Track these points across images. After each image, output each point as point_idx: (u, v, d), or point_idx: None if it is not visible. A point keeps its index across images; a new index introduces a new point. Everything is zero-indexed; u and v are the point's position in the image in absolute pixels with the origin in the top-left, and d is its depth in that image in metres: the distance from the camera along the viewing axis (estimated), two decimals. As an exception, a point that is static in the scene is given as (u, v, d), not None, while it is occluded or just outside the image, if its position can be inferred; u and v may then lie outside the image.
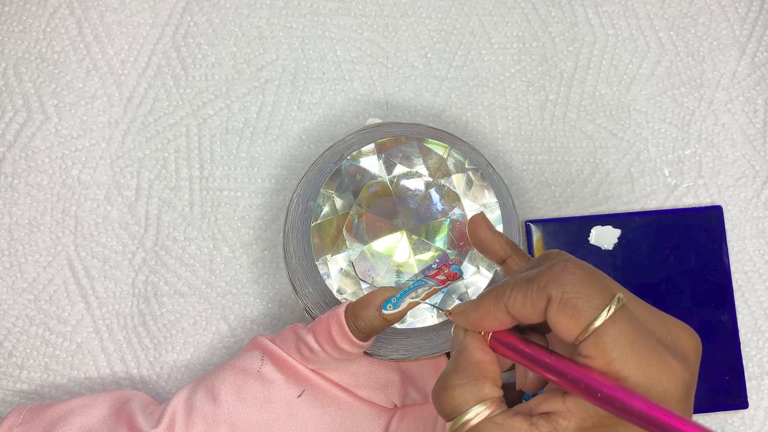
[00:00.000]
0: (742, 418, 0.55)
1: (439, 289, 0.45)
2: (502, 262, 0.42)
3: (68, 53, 0.56)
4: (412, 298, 0.44)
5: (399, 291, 0.45)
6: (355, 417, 0.46)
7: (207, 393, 0.46)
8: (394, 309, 0.44)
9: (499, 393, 0.35)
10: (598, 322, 0.33)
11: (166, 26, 0.56)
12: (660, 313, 0.36)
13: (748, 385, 0.55)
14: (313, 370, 0.46)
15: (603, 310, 0.33)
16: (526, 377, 0.38)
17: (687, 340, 0.35)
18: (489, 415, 0.34)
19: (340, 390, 0.47)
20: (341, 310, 0.45)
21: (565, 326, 0.33)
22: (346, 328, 0.44)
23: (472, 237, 0.42)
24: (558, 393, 0.35)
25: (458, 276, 0.45)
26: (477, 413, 0.34)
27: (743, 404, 0.54)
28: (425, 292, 0.44)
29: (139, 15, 0.56)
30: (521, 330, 0.38)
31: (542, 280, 0.34)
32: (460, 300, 0.49)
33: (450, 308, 0.38)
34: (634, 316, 0.34)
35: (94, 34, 0.56)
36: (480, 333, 0.37)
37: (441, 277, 0.44)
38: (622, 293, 0.35)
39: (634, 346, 0.33)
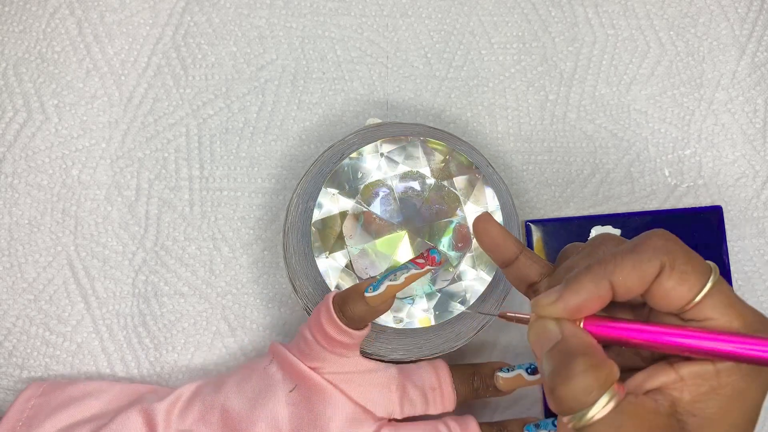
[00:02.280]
0: (742, 418, 0.55)
1: (420, 275, 0.45)
2: (509, 263, 0.40)
3: (68, 53, 0.55)
4: (391, 281, 0.44)
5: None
6: (338, 417, 0.46)
7: (215, 384, 0.49)
8: (374, 291, 0.44)
9: (618, 372, 0.33)
10: (708, 287, 0.33)
11: (166, 26, 0.56)
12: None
13: (748, 385, 0.55)
14: (311, 368, 0.47)
15: (710, 275, 0.34)
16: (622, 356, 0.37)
17: None
18: (619, 401, 0.32)
19: (334, 389, 0.47)
20: (329, 297, 0.46)
21: (677, 293, 0.33)
22: (333, 314, 0.45)
23: (479, 236, 0.40)
24: (664, 365, 0.34)
25: (438, 261, 0.45)
26: (607, 399, 0.32)
27: (743, 404, 0.54)
28: (404, 276, 0.44)
29: (139, 15, 0.56)
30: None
31: (650, 249, 0.34)
32: (461, 304, 0.49)
33: (531, 302, 0.36)
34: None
35: (94, 35, 0.56)
36: (574, 322, 0.35)
37: (420, 261, 0.45)
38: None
39: (740, 305, 0.34)
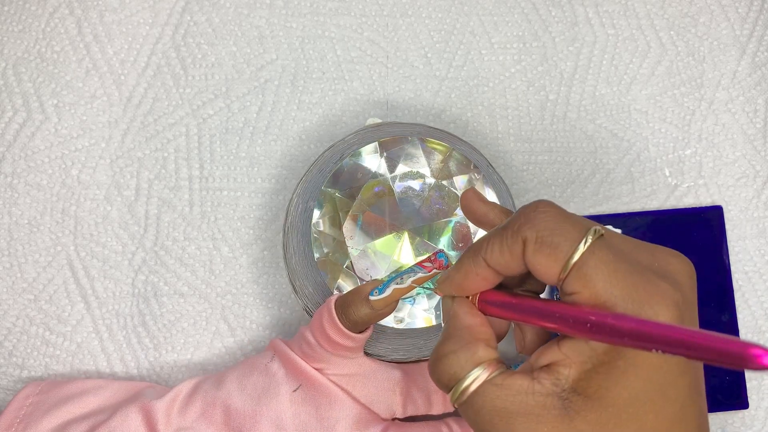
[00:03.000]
0: (742, 418, 0.55)
1: (427, 278, 0.45)
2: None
3: (68, 53, 0.55)
4: (397, 284, 0.44)
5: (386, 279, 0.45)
6: (344, 419, 0.46)
7: (215, 380, 0.48)
8: (379, 295, 0.44)
9: (495, 354, 0.34)
10: (576, 256, 0.32)
11: (166, 26, 0.56)
12: (645, 244, 0.34)
13: (748, 385, 0.55)
14: (316, 369, 0.47)
15: (580, 242, 0.32)
16: (524, 340, 0.37)
17: (677, 264, 0.34)
18: (488, 377, 0.33)
19: (339, 390, 0.46)
20: (331, 300, 0.45)
21: (544, 266, 0.32)
22: (336, 319, 0.44)
23: (465, 211, 0.40)
24: (554, 343, 0.33)
25: (445, 265, 0.45)
26: (475, 377, 0.33)
27: (743, 404, 0.54)
28: (411, 279, 0.44)
29: (139, 15, 0.56)
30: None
31: (515, 224, 0.33)
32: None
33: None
34: (614, 245, 0.33)
35: (93, 34, 0.56)
36: (467, 298, 0.36)
37: (428, 265, 0.45)
38: (601, 228, 0.33)
39: (618, 273, 0.32)
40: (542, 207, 0.33)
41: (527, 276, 0.36)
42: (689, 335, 0.27)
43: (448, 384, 0.34)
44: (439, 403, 0.48)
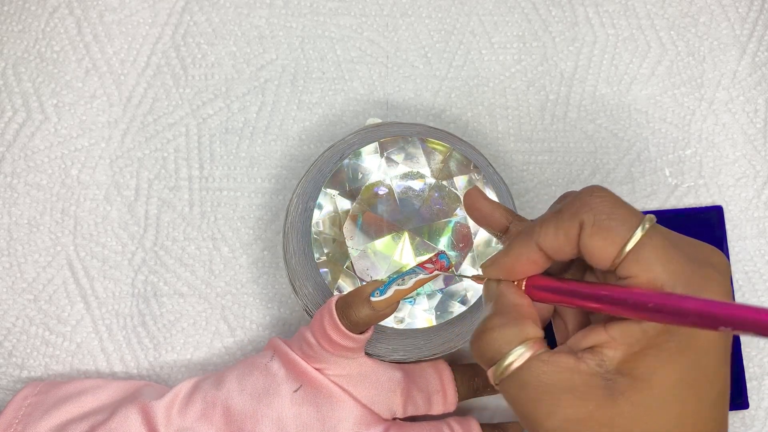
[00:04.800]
0: (742, 419, 0.55)
1: (428, 279, 0.45)
2: (504, 231, 0.40)
3: (67, 53, 0.55)
4: (398, 285, 0.44)
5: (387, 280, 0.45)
6: (347, 420, 0.46)
7: (215, 379, 0.48)
8: (381, 296, 0.44)
9: (541, 333, 0.34)
10: (634, 240, 0.32)
11: (166, 26, 0.56)
12: (686, 237, 0.35)
13: (748, 385, 0.55)
14: (316, 369, 0.47)
15: (637, 228, 0.32)
16: (567, 328, 0.37)
17: (717, 257, 0.34)
18: (534, 353, 0.33)
19: (340, 391, 0.46)
20: (332, 301, 0.45)
21: (601, 249, 0.33)
22: (337, 320, 0.44)
23: (469, 210, 0.40)
24: (599, 326, 0.33)
25: (446, 266, 0.45)
26: (520, 353, 0.33)
27: (743, 404, 0.54)
28: (413, 280, 0.44)
29: (139, 15, 0.56)
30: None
31: (572, 207, 0.33)
32: (461, 303, 0.49)
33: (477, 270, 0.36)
34: (666, 232, 0.34)
35: (93, 34, 0.56)
36: (513, 282, 0.36)
37: (429, 266, 0.45)
38: (653, 216, 0.34)
39: (674, 259, 0.32)
40: (598, 192, 0.34)
41: (569, 265, 0.37)
42: (756, 313, 0.28)
43: (492, 359, 0.34)
44: (440, 404, 0.48)
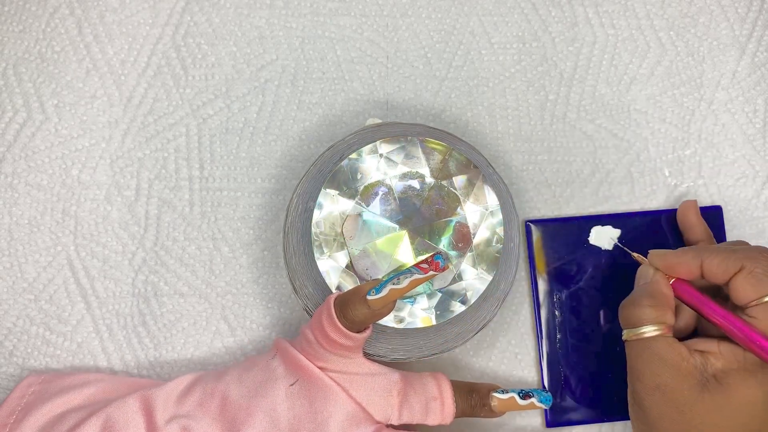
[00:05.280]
0: (741, 418, 0.55)
1: (423, 280, 0.45)
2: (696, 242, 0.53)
3: (68, 53, 0.55)
4: (394, 284, 0.44)
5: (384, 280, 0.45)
6: (338, 414, 0.46)
7: (217, 373, 0.49)
8: (376, 295, 0.44)
9: (674, 321, 0.45)
10: None
11: (166, 26, 0.56)
12: None
13: (747, 385, 0.55)
14: (318, 367, 0.47)
15: None
16: (680, 322, 0.49)
17: None
18: (663, 333, 0.45)
19: (336, 386, 0.47)
20: (331, 299, 0.46)
21: (745, 291, 0.44)
22: (335, 318, 0.45)
23: (682, 218, 0.53)
24: (713, 339, 0.45)
25: (441, 266, 0.45)
26: (654, 328, 0.45)
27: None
28: (408, 280, 0.44)
29: (139, 15, 0.56)
30: None
31: (742, 253, 0.44)
32: (462, 303, 0.49)
33: (649, 252, 0.47)
34: None
35: (93, 34, 0.56)
36: (666, 276, 0.47)
37: (424, 266, 0.45)
38: None
39: None
40: (765, 252, 0.45)
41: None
42: None
43: (633, 324, 0.45)
44: (437, 412, 0.48)
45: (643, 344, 0.45)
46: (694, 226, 0.53)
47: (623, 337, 0.46)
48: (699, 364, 0.44)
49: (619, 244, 0.54)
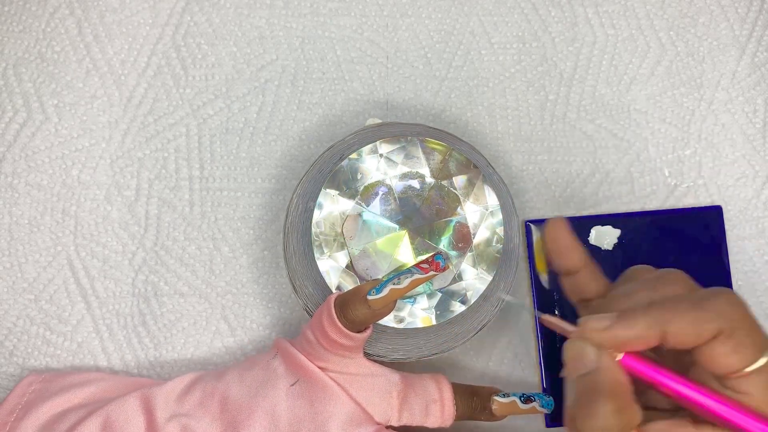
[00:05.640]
0: (741, 418, 0.55)
1: (424, 280, 0.45)
2: (570, 273, 0.40)
3: (68, 53, 0.56)
4: (394, 284, 0.44)
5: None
6: (338, 415, 0.46)
7: (217, 373, 0.49)
8: (377, 294, 0.44)
9: (641, 417, 0.35)
10: (761, 362, 0.33)
11: (166, 26, 0.56)
12: None
13: (747, 385, 0.55)
14: (319, 367, 0.47)
15: (766, 350, 0.34)
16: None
17: None
18: None
19: (336, 386, 0.47)
20: (331, 299, 0.46)
21: (727, 360, 0.33)
22: (335, 317, 0.45)
23: (549, 241, 0.40)
24: (688, 422, 0.35)
25: (442, 266, 0.45)
26: None
27: (743, 404, 0.54)
28: (408, 280, 0.45)
29: (139, 15, 0.56)
30: None
31: (714, 311, 0.34)
32: (462, 303, 0.49)
33: (581, 320, 0.36)
34: None
35: (94, 34, 0.56)
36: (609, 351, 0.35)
37: (425, 266, 0.45)
38: None
39: None
40: (737, 303, 0.35)
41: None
42: None
43: None
44: (437, 414, 0.48)
45: None
46: (568, 249, 0.40)
47: None
48: None
49: (510, 298, 0.46)
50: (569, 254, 0.40)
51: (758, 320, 0.35)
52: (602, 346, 0.35)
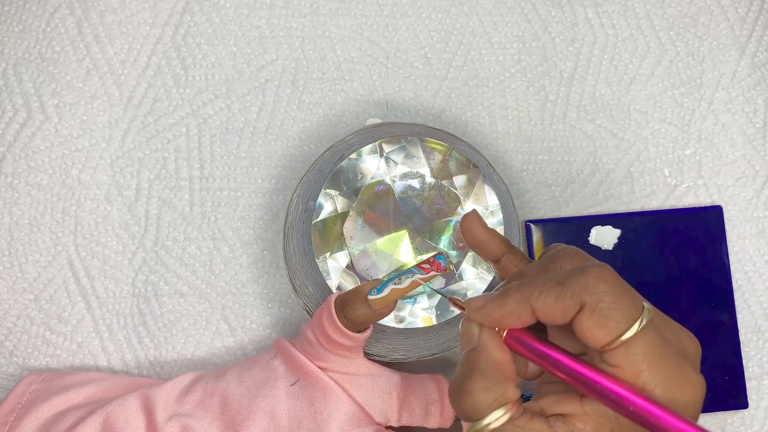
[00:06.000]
0: (742, 418, 0.55)
1: (425, 280, 0.45)
2: (496, 261, 0.41)
3: (68, 53, 0.55)
4: (395, 284, 0.44)
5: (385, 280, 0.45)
6: (338, 415, 0.46)
7: (217, 372, 0.49)
8: (377, 294, 0.44)
9: (519, 394, 0.35)
10: (629, 334, 0.33)
11: (166, 26, 0.56)
12: (668, 320, 0.36)
13: (748, 385, 0.55)
14: (319, 367, 0.47)
15: (636, 321, 0.33)
16: (527, 367, 0.38)
17: (693, 347, 0.36)
18: (510, 418, 0.34)
19: (336, 386, 0.47)
20: (332, 298, 0.46)
21: (594, 334, 0.33)
22: (335, 317, 0.45)
23: (465, 235, 0.41)
24: (575, 395, 0.35)
25: (443, 267, 0.45)
26: (497, 417, 0.34)
27: (743, 404, 0.54)
28: (409, 280, 0.44)
29: (139, 15, 0.56)
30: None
31: (576, 286, 0.34)
32: (461, 301, 0.49)
33: (465, 300, 0.37)
34: (659, 328, 0.34)
35: (94, 34, 0.56)
36: (495, 329, 0.36)
37: (426, 267, 0.45)
38: (650, 307, 0.35)
39: (662, 359, 0.33)
40: (605, 275, 0.34)
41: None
42: None
43: (471, 417, 0.35)
44: (436, 416, 0.48)
45: None
46: (486, 241, 0.41)
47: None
48: None
49: (439, 292, 0.46)
50: (488, 244, 0.40)
51: (633, 293, 0.35)
52: (482, 323, 0.36)
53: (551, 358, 0.35)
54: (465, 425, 0.35)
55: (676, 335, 0.36)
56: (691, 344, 0.36)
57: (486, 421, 0.34)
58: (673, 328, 0.36)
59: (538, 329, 0.37)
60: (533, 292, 0.35)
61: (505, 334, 0.36)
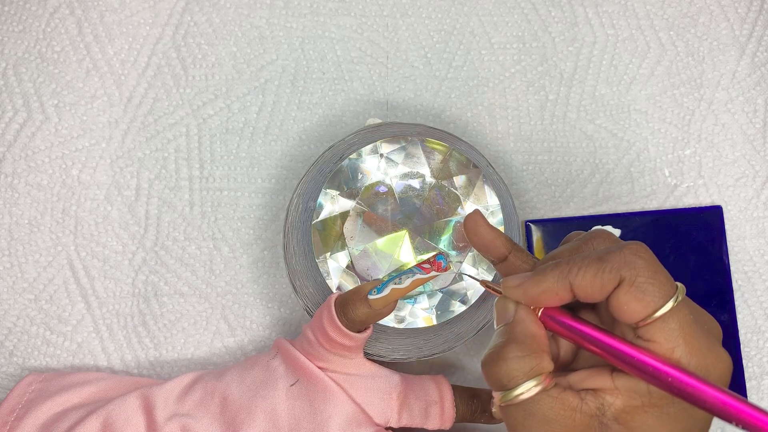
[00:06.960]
0: (741, 418, 0.55)
1: (425, 280, 0.45)
2: (503, 259, 0.41)
3: (68, 53, 0.55)
4: (396, 284, 0.44)
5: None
6: (338, 415, 0.46)
7: (218, 372, 0.49)
8: (378, 294, 0.44)
9: (552, 367, 0.36)
10: (665, 309, 0.34)
11: (166, 26, 0.56)
12: (692, 301, 0.37)
13: (748, 385, 0.55)
14: (319, 367, 0.47)
15: (671, 297, 0.34)
16: (559, 348, 0.39)
17: (716, 327, 0.37)
18: (543, 389, 0.35)
19: (336, 387, 0.47)
20: (332, 298, 0.46)
21: (632, 309, 0.34)
22: (335, 317, 0.45)
23: (470, 235, 0.41)
24: (605, 370, 0.36)
25: (443, 267, 0.45)
26: (532, 385, 0.35)
27: (743, 404, 0.54)
28: (410, 280, 0.44)
29: (139, 15, 0.56)
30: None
31: (615, 261, 0.34)
32: (462, 302, 0.49)
33: (501, 280, 0.38)
34: (691, 305, 0.36)
35: (94, 34, 0.56)
36: (530, 308, 0.37)
37: (426, 266, 0.45)
38: (683, 287, 0.36)
39: (695, 334, 0.34)
40: (642, 252, 0.35)
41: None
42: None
43: (504, 385, 0.35)
44: (436, 416, 0.48)
45: (524, 410, 0.35)
46: (492, 240, 0.40)
47: (496, 403, 0.36)
48: (594, 410, 0.35)
49: (467, 275, 0.45)
50: (494, 242, 0.40)
51: (666, 272, 0.35)
52: (519, 301, 0.37)
53: (588, 335, 0.36)
54: (496, 395, 0.35)
55: (701, 314, 0.36)
56: (714, 324, 0.37)
57: (518, 390, 0.35)
58: (698, 308, 0.37)
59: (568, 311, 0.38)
60: (572, 269, 0.35)
61: (540, 312, 0.37)
